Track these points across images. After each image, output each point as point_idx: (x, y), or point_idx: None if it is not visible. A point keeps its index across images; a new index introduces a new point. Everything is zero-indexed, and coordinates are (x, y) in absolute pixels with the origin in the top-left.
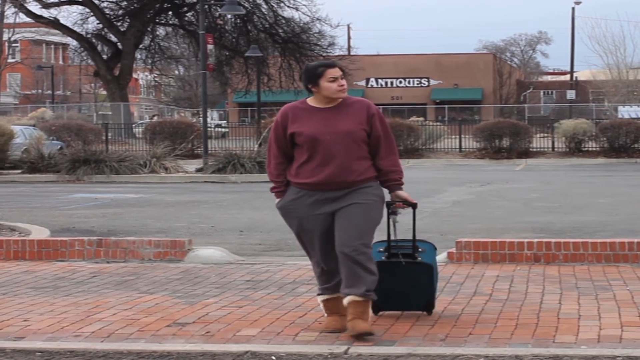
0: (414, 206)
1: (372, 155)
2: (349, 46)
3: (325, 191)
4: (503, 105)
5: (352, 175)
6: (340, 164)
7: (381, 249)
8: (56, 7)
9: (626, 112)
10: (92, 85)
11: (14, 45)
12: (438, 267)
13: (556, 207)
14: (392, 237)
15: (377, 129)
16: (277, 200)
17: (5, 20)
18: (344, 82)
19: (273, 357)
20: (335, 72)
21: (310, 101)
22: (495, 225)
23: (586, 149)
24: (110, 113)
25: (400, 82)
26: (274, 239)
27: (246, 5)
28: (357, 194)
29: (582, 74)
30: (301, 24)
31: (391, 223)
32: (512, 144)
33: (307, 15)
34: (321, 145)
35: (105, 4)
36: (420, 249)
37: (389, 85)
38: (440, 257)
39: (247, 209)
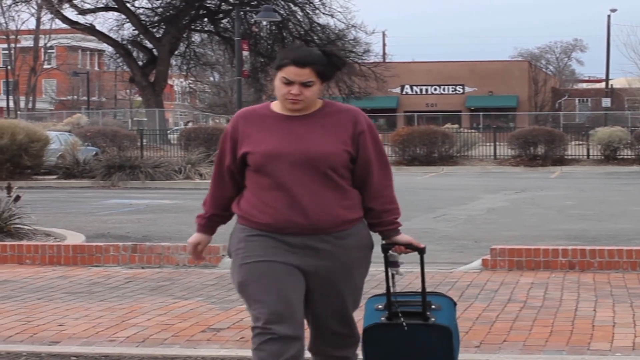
0: (421, 251)
1: (359, 187)
2: (384, 53)
3: (286, 235)
4: (538, 113)
5: (326, 217)
6: (310, 201)
7: (380, 306)
8: (92, 14)
9: None
10: (128, 91)
11: (49, 51)
12: (473, 274)
13: (591, 215)
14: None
15: (367, 151)
16: (193, 235)
17: (41, 27)
18: (299, 91)
19: None
20: (295, 73)
21: (275, 106)
22: (529, 232)
23: (621, 156)
24: (145, 119)
25: (435, 89)
26: None
27: (281, 12)
28: (336, 253)
29: (617, 82)
30: (336, 31)
31: (390, 276)
32: (547, 151)
33: (343, 22)
34: (282, 170)
35: (141, 11)
36: (433, 306)
37: (423, 92)
38: (475, 264)
39: None
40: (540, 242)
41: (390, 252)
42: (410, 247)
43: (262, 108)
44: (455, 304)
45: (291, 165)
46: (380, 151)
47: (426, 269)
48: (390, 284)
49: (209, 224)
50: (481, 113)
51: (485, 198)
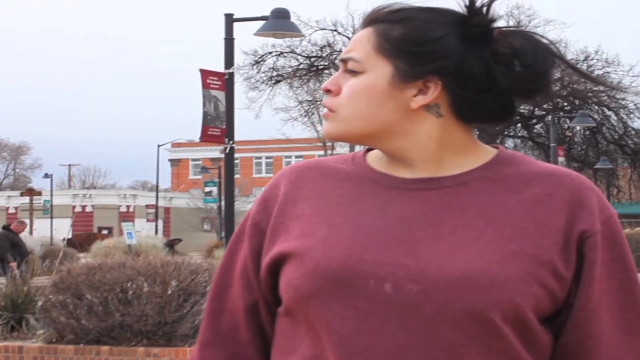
0: None
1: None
2: None
3: None
4: None
5: None
6: None
7: None
8: None
9: None
10: None
11: None
12: None
13: None
14: None
15: (598, 286)
16: None
17: None
18: (334, 85)
19: None
20: (350, 43)
21: (374, 159)
22: None
23: None
24: None
25: None
26: None
27: (595, 116)
28: None
29: None
30: None
31: None
32: None
33: None
34: (362, 316)
35: None
36: None
37: None
38: None
39: None
40: None
41: None
42: None
43: (343, 160)
44: None
45: (391, 305)
46: (631, 279)
47: None
48: None
49: None
50: None
51: None
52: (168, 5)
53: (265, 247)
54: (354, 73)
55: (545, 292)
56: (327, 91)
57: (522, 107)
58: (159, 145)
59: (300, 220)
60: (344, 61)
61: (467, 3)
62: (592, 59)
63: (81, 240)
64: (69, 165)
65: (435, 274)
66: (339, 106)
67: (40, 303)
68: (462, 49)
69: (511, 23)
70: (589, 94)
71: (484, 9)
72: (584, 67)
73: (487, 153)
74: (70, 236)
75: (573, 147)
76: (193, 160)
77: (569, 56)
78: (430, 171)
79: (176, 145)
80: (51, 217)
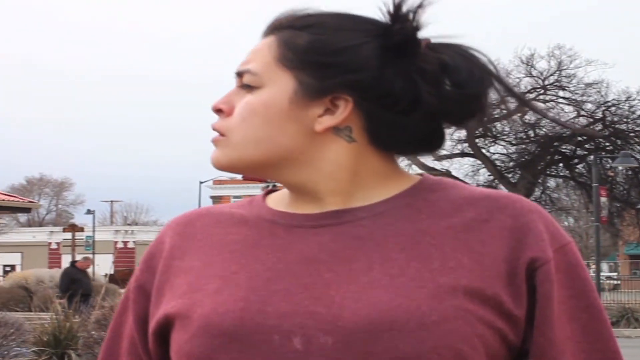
0: None
1: None
2: None
3: None
4: None
5: None
6: None
7: None
8: (448, 160)
9: None
10: None
11: None
12: None
13: None
14: None
15: (552, 324)
16: None
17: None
18: (223, 104)
19: None
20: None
21: (275, 200)
22: None
23: None
24: None
25: None
26: None
27: (638, 156)
28: None
29: None
30: None
31: None
32: None
33: None
34: None
35: (496, 156)
36: None
37: None
38: None
39: None
40: None
41: None
42: None
43: (239, 205)
44: None
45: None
46: (599, 328)
47: None
48: None
49: None
50: None
51: None
52: (207, 42)
53: (151, 311)
54: (249, 88)
55: (492, 333)
56: (218, 111)
57: (563, 148)
58: (200, 182)
59: (188, 275)
60: (240, 74)
61: (391, 9)
62: (634, 100)
63: (123, 277)
64: (111, 202)
65: (352, 320)
66: (230, 129)
67: (82, 339)
68: (380, 62)
69: (552, 63)
70: (631, 134)
71: (410, 15)
72: (626, 107)
73: (409, 180)
74: (112, 272)
75: (615, 187)
76: (235, 197)
77: (611, 97)
78: (339, 204)
79: (218, 182)
80: (93, 253)
